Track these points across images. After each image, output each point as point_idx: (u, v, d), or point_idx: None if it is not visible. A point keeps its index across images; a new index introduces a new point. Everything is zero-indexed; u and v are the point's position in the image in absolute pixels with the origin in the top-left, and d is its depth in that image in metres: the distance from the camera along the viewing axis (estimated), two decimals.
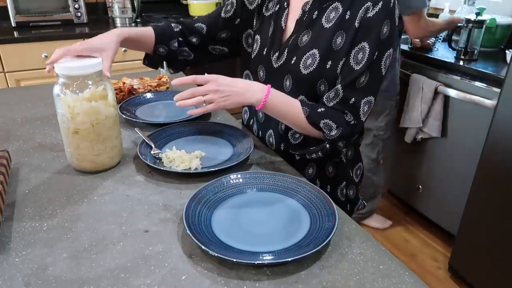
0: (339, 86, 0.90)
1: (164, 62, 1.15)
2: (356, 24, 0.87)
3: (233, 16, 1.07)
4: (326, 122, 0.89)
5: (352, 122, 0.90)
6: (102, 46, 0.92)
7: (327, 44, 0.90)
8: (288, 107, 0.90)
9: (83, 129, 0.86)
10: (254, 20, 1.05)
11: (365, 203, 1.18)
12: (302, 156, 1.01)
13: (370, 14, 0.86)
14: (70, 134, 0.86)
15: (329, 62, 0.91)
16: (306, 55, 0.92)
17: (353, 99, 0.89)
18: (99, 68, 0.86)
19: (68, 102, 0.84)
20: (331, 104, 0.91)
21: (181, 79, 0.88)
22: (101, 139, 0.88)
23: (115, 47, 0.94)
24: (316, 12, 0.93)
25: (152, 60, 1.12)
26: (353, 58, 0.88)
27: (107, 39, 0.95)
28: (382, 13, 0.85)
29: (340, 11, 0.90)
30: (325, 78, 0.92)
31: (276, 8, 1.00)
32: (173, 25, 1.10)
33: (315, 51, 0.91)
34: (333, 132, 0.90)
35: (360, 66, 0.87)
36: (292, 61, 0.94)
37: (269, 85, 0.89)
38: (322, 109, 0.90)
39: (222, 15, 1.08)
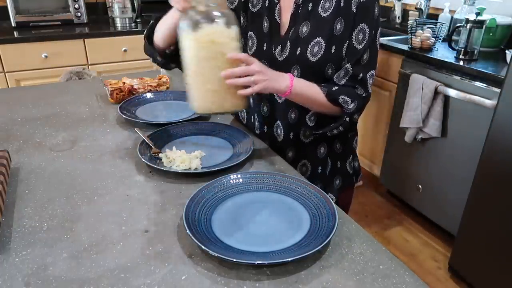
0: (347, 65, 0.99)
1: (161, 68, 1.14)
2: (353, 9, 0.96)
3: None
4: (343, 98, 0.98)
5: (364, 95, 1.00)
6: None
7: (329, 31, 0.97)
8: (310, 89, 0.97)
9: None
10: (242, 18, 1.07)
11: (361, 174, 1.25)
12: (323, 134, 1.06)
13: None
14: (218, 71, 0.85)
15: (334, 47, 0.98)
16: (311, 43, 0.98)
17: (361, 75, 0.99)
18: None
19: (233, 35, 0.85)
20: (343, 82, 1.00)
21: (236, 54, 0.87)
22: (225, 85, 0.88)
23: None
24: (310, 4, 0.98)
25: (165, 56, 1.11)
26: (355, 39, 0.98)
27: None
28: None
29: (334, 0, 0.96)
30: (332, 62, 1.00)
31: (266, 4, 1.03)
32: None
33: (320, 38, 0.97)
34: (351, 106, 0.98)
35: (362, 45, 0.97)
36: (298, 52, 0.99)
37: (289, 73, 0.94)
38: (336, 87, 0.99)
39: None
